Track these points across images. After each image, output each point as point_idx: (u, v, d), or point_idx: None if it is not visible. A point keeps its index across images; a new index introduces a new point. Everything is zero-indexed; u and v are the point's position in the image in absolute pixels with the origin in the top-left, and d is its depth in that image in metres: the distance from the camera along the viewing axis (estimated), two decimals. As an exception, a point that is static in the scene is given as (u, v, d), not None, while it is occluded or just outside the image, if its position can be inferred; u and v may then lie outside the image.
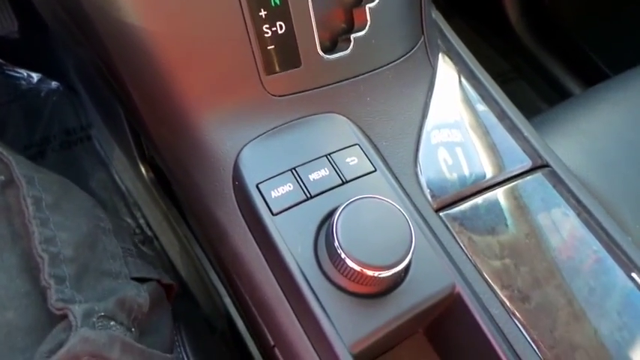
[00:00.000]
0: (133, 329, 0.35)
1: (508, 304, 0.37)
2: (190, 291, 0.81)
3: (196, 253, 0.79)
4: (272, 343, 0.36)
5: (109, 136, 0.98)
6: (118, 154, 0.97)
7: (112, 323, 0.32)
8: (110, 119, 0.92)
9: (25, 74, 1.04)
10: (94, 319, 0.31)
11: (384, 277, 0.33)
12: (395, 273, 0.33)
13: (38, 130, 1.00)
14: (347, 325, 0.33)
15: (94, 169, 0.97)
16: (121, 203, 0.95)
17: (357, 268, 0.32)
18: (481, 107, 0.49)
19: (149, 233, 0.94)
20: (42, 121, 1.01)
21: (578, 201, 0.44)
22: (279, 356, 0.36)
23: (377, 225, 0.33)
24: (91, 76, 0.85)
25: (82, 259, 0.36)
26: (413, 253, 0.33)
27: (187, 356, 0.44)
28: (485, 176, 0.44)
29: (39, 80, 1.04)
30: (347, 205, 0.34)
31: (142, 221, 0.94)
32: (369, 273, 0.32)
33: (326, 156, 0.39)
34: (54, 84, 1.04)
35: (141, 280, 0.41)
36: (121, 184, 0.96)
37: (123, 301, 0.34)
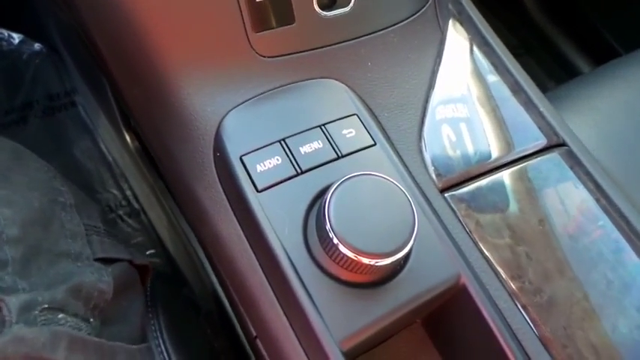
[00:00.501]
0: (91, 319, 0.31)
1: (518, 296, 0.33)
2: (178, 268, 0.77)
3: (183, 228, 0.75)
4: (254, 334, 0.32)
5: (94, 102, 0.92)
6: (103, 122, 0.92)
7: (61, 316, 0.28)
8: (94, 84, 0.87)
9: (6, 34, 0.98)
10: (37, 312, 0.27)
11: (381, 266, 0.29)
12: (394, 261, 0.29)
13: (19, 95, 0.95)
14: (338, 319, 0.29)
15: (79, 137, 0.93)
16: (108, 174, 0.92)
17: (351, 255, 0.28)
18: (493, 78, 0.44)
19: (136, 206, 0.90)
20: (24, 86, 0.96)
21: (597, 185, 0.40)
22: (262, 349, 0.32)
23: (375, 206, 0.29)
24: (72, 38, 0.79)
25: (31, 240, 0.31)
26: (415, 239, 0.30)
27: (164, 343, 0.40)
28: (495, 154, 0.40)
29: (21, 41, 0.98)
30: (341, 182, 0.30)
31: (128, 193, 0.90)
32: (365, 261, 0.28)
33: (320, 127, 0.35)
34: (37, 46, 0.98)
35: (109, 261, 0.37)
36: (107, 153, 0.92)
37: (78, 288, 0.30)
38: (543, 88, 0.69)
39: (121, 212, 0.90)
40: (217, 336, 0.59)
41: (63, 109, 0.96)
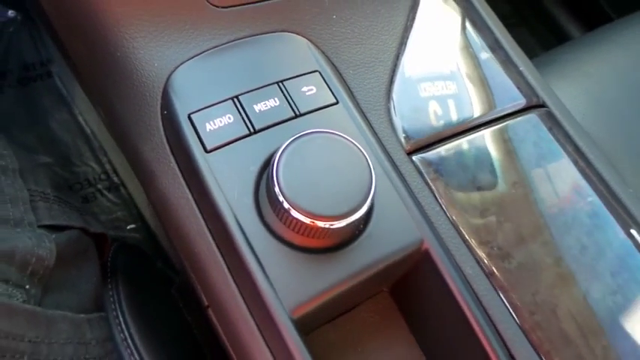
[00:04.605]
0: (28, 286, 0.29)
1: (485, 262, 0.31)
2: (159, 244, 0.75)
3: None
4: (206, 303, 0.31)
5: (70, 73, 0.89)
6: (80, 93, 0.89)
7: None
8: (67, 56, 0.83)
9: (-22, 2, 0.94)
10: None
11: (336, 230, 0.27)
12: (350, 224, 0.27)
13: (-8, 64, 0.91)
14: (289, 286, 0.27)
15: (55, 108, 0.91)
16: (86, 147, 0.89)
17: (301, 217, 0.26)
18: (471, 35, 0.41)
19: (115, 180, 0.88)
20: (-4, 54, 0.92)
21: (577, 147, 0.38)
22: (213, 318, 0.30)
23: (329, 166, 0.27)
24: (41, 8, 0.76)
25: None
26: (373, 200, 0.27)
27: (122, 314, 0.38)
28: (469, 115, 0.37)
29: (-7, 9, 0.94)
30: (291, 141, 0.27)
31: (107, 166, 0.88)
32: (320, 224, 0.26)
33: (277, 83, 0.32)
34: (11, 13, 0.94)
35: (58, 228, 0.34)
36: (85, 126, 0.89)
37: (10, 253, 0.28)
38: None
39: (100, 186, 0.88)
40: (190, 309, 0.57)
41: (39, 79, 0.93)
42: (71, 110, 0.89)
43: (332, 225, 0.26)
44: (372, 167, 0.27)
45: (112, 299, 0.39)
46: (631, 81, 0.62)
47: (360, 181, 0.27)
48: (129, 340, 0.37)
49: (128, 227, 0.83)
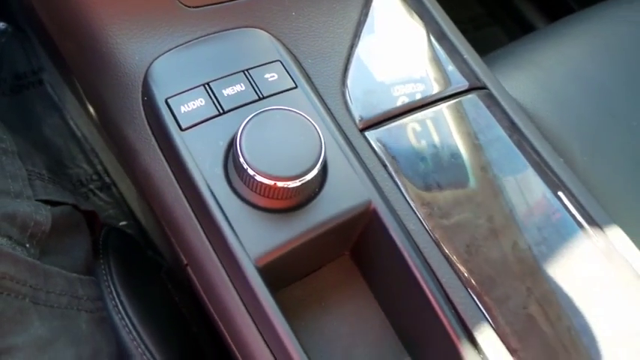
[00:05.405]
0: (27, 245, 0.33)
1: (426, 220, 0.36)
2: (150, 238, 0.79)
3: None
4: (185, 262, 0.35)
5: (60, 79, 0.93)
6: (70, 99, 0.93)
7: None
8: (59, 61, 0.87)
9: (-30, 15, 0.97)
10: None
11: (292, 189, 0.31)
12: (304, 184, 0.31)
13: (-15, 74, 0.95)
14: (253, 239, 0.32)
15: (47, 114, 0.94)
16: (77, 149, 0.93)
17: (264, 180, 0.31)
18: (419, 27, 0.47)
19: (107, 180, 0.91)
20: (-11, 64, 0.95)
21: (512, 123, 0.43)
22: (192, 275, 0.35)
23: (284, 136, 0.32)
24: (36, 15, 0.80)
25: None
26: (324, 163, 0.32)
27: (113, 284, 0.43)
28: (417, 97, 0.42)
29: (-15, 21, 0.98)
30: (251, 118, 0.32)
31: (99, 167, 0.92)
32: (279, 184, 0.31)
33: (243, 71, 0.37)
34: (2, 25, 0.98)
35: (52, 204, 0.39)
36: (76, 129, 0.93)
37: (13, 215, 0.33)
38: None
39: (92, 186, 0.91)
40: (178, 290, 0.61)
41: (31, 87, 0.96)
42: (62, 115, 0.92)
43: (289, 185, 0.31)
44: (321, 136, 0.32)
45: (104, 271, 0.43)
46: (582, 71, 0.67)
47: (311, 148, 0.32)
48: (119, 307, 0.41)
49: (120, 224, 0.86)
